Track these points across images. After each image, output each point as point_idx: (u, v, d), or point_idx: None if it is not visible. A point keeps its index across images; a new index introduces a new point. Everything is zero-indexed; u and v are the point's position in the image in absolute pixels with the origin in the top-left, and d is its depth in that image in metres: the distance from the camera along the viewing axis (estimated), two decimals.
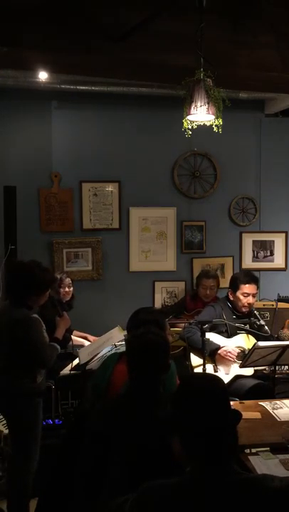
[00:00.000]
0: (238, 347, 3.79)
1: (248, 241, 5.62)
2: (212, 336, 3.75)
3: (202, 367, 3.49)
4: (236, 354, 3.69)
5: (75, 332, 4.59)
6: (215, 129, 3.15)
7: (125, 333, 3.19)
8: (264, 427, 2.68)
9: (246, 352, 3.59)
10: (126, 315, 2.81)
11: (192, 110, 2.98)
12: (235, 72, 3.72)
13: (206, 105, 2.92)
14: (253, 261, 5.64)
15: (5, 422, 3.34)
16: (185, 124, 3.16)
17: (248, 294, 3.90)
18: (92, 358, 3.48)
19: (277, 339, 4.11)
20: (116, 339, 3.56)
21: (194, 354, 3.82)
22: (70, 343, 4.22)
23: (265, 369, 3.69)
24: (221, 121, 3.09)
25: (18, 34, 3.20)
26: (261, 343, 3.31)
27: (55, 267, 5.04)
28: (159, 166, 5.36)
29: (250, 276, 3.99)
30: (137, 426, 1.93)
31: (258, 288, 4.02)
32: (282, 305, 4.70)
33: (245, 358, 3.43)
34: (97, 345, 3.63)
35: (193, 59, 2.97)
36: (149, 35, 3.17)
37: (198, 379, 1.68)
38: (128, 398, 2.08)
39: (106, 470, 1.91)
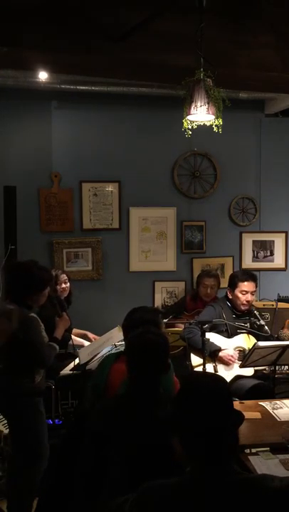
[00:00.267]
0: (238, 347, 3.79)
1: (248, 241, 5.62)
2: (212, 336, 3.75)
3: (202, 367, 3.50)
4: (236, 358, 3.70)
5: (74, 330, 4.58)
6: (215, 129, 3.15)
7: None
8: (264, 427, 2.68)
9: (246, 352, 3.59)
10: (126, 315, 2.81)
11: (192, 110, 2.98)
12: (235, 72, 3.72)
13: (206, 105, 2.92)
14: (253, 261, 5.64)
15: (5, 422, 3.34)
16: (185, 124, 3.16)
17: (247, 292, 3.90)
18: (92, 358, 3.48)
19: (277, 339, 4.11)
20: (116, 339, 3.56)
21: (194, 354, 3.82)
22: (70, 342, 4.21)
23: (265, 369, 3.69)
24: (220, 121, 3.09)
25: (18, 34, 3.20)
26: (261, 343, 3.31)
27: (55, 267, 5.04)
28: (159, 166, 5.36)
29: (248, 274, 3.99)
30: (137, 426, 1.93)
31: (256, 286, 4.02)
32: (282, 305, 4.70)
33: (245, 358, 3.43)
34: (97, 345, 3.63)
35: (193, 59, 2.97)
36: (149, 35, 3.17)
37: (199, 378, 1.67)
38: (128, 398, 2.08)
39: (106, 470, 1.91)
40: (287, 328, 4.47)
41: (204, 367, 3.48)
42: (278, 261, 5.68)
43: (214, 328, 3.84)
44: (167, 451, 1.80)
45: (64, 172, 5.18)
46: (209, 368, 3.64)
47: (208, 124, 3.18)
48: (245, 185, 5.57)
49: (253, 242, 5.63)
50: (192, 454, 1.46)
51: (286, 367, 3.76)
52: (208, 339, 3.61)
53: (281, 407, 2.94)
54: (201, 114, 3.00)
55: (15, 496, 3.03)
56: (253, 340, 3.75)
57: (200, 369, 3.59)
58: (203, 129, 3.31)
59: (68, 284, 4.54)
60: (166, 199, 5.40)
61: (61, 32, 3.18)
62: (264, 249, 5.65)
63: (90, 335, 4.59)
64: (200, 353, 3.61)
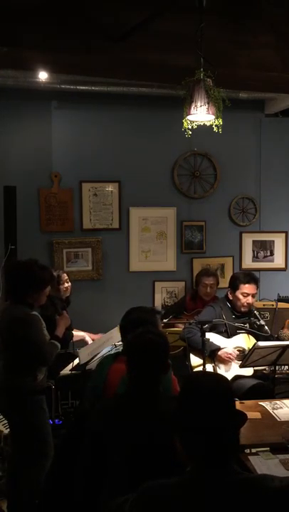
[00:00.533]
0: (237, 347, 3.79)
1: (248, 241, 5.62)
2: (212, 336, 3.75)
3: (202, 367, 3.50)
4: (236, 356, 3.70)
5: (74, 331, 4.58)
6: (215, 129, 3.15)
7: None
8: (264, 427, 2.68)
9: (246, 352, 3.59)
10: None
11: (192, 110, 2.98)
12: (235, 72, 3.72)
13: (206, 105, 2.92)
14: (253, 261, 5.64)
15: (5, 421, 3.34)
16: (185, 124, 3.16)
17: (248, 294, 3.90)
18: (93, 358, 3.48)
19: (277, 339, 4.11)
20: (116, 339, 3.56)
21: (194, 354, 3.82)
22: (71, 341, 4.21)
23: (265, 369, 3.69)
24: (220, 121, 3.09)
25: (18, 34, 3.20)
26: (261, 343, 3.31)
27: (55, 267, 5.03)
28: (159, 166, 5.36)
29: (250, 276, 3.98)
30: (137, 426, 1.93)
31: (257, 288, 4.02)
32: (282, 305, 4.70)
33: (245, 358, 3.43)
34: (97, 345, 3.63)
35: (193, 59, 2.97)
36: (149, 35, 3.17)
37: (200, 378, 1.66)
38: (128, 398, 2.08)
39: (106, 470, 1.91)
40: (287, 328, 4.47)
41: (204, 367, 3.48)
42: (278, 261, 5.68)
43: (214, 329, 3.84)
44: (167, 451, 1.80)
45: (64, 172, 5.18)
46: (209, 368, 3.64)
47: (208, 124, 3.18)
48: (245, 185, 5.57)
49: (253, 242, 5.63)
50: (192, 454, 1.46)
51: (286, 367, 3.76)
52: (208, 339, 3.61)
53: (281, 407, 2.94)
54: (201, 114, 3.00)
55: (15, 496, 3.03)
56: (253, 340, 3.75)
57: (200, 369, 3.59)
58: (203, 129, 3.31)
59: (70, 284, 4.55)
60: (166, 199, 5.40)
61: (61, 32, 3.18)
62: (264, 249, 5.65)
63: (90, 336, 4.58)
64: (200, 353, 3.61)
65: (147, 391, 2.05)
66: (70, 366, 3.92)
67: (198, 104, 2.94)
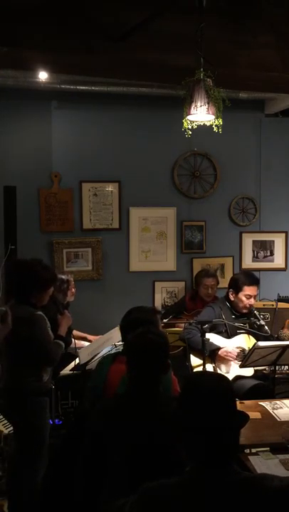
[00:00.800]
0: (237, 347, 3.79)
1: (248, 241, 5.62)
2: (212, 337, 3.75)
3: (202, 367, 3.49)
4: (236, 354, 3.69)
5: (74, 332, 4.58)
6: (215, 129, 3.15)
7: None
8: (264, 427, 2.68)
9: (246, 352, 3.59)
10: None
11: (192, 110, 2.98)
12: (235, 72, 3.71)
13: (206, 105, 2.92)
14: (253, 261, 5.64)
15: (5, 421, 3.33)
16: (185, 124, 3.16)
17: (251, 296, 3.89)
18: (93, 358, 3.48)
19: (277, 339, 4.11)
20: (116, 339, 3.56)
21: (194, 355, 3.82)
22: (73, 344, 4.20)
23: (265, 369, 3.68)
24: (220, 121, 3.09)
25: (18, 34, 3.20)
26: (261, 343, 3.31)
27: (55, 267, 5.04)
28: (159, 166, 5.36)
29: (253, 278, 3.98)
30: (137, 426, 1.93)
31: (258, 289, 4.03)
32: (282, 305, 4.70)
33: (245, 358, 3.43)
34: (97, 345, 3.63)
35: (193, 59, 2.97)
36: (149, 35, 3.17)
37: (201, 378, 1.66)
38: (128, 398, 2.08)
39: (106, 470, 1.91)
40: (287, 328, 4.47)
41: (204, 367, 3.47)
42: (278, 261, 5.68)
43: (214, 329, 3.83)
44: (167, 451, 1.80)
45: (64, 172, 5.18)
46: (209, 368, 3.63)
47: (208, 124, 3.17)
48: (245, 185, 5.57)
49: (253, 242, 5.63)
50: (192, 454, 1.46)
51: (286, 367, 3.76)
52: (208, 339, 3.61)
53: (281, 407, 2.94)
54: (201, 114, 3.00)
55: (15, 496, 3.03)
56: (253, 340, 3.75)
57: (200, 369, 3.59)
58: (203, 129, 3.31)
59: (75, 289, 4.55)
60: (166, 199, 5.40)
61: (61, 32, 3.18)
62: (264, 249, 5.65)
63: (90, 337, 4.58)
64: (200, 353, 3.60)
65: (147, 391, 2.05)
66: (70, 366, 3.92)
67: (198, 104, 2.94)
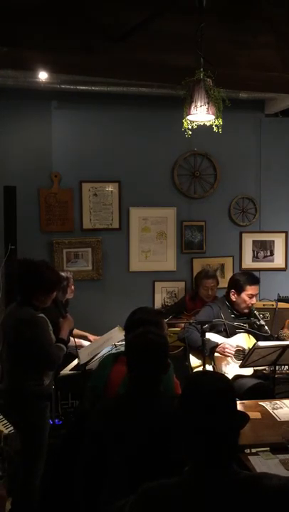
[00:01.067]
0: (237, 346, 3.79)
1: (248, 241, 5.62)
2: (211, 336, 3.74)
3: (202, 367, 3.49)
4: (234, 350, 3.69)
5: (75, 331, 4.58)
6: (215, 129, 3.15)
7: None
8: (264, 427, 2.68)
9: (246, 352, 3.59)
10: (126, 315, 2.81)
11: (192, 110, 2.98)
12: (235, 72, 3.72)
13: (206, 105, 2.92)
14: (253, 261, 5.64)
15: (5, 421, 3.33)
16: (185, 124, 3.16)
17: (253, 295, 3.90)
18: (92, 358, 3.48)
19: (277, 339, 4.11)
20: (116, 339, 3.56)
21: (193, 355, 3.82)
22: (73, 344, 4.21)
23: (265, 369, 3.69)
24: (220, 121, 3.09)
25: (18, 34, 3.20)
26: (261, 343, 3.31)
27: (55, 267, 5.03)
28: (159, 166, 5.36)
29: (254, 277, 4.00)
30: (137, 426, 1.93)
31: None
32: (282, 305, 4.70)
33: (245, 357, 3.43)
34: (97, 345, 3.63)
35: (193, 59, 2.97)
36: (149, 35, 3.17)
37: (201, 377, 1.64)
38: (128, 398, 2.08)
39: (106, 470, 1.91)
40: (287, 328, 4.47)
41: (204, 367, 3.47)
42: (278, 261, 5.68)
43: (213, 328, 3.83)
44: (167, 451, 1.80)
45: (64, 172, 5.18)
46: (208, 368, 3.63)
47: (208, 124, 3.17)
48: (245, 185, 5.57)
49: (253, 242, 5.63)
50: (192, 454, 1.46)
51: (286, 367, 3.76)
52: (208, 339, 3.61)
53: (281, 407, 2.94)
54: (201, 114, 3.00)
55: (16, 496, 3.03)
56: (253, 340, 3.75)
57: (199, 370, 3.59)
58: (203, 129, 3.31)
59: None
60: (166, 199, 5.40)
61: (61, 32, 3.18)
62: (264, 249, 5.65)
63: (91, 337, 4.58)
64: (199, 353, 3.60)
65: (147, 391, 2.05)
66: (70, 366, 3.92)
67: (198, 104, 2.94)
